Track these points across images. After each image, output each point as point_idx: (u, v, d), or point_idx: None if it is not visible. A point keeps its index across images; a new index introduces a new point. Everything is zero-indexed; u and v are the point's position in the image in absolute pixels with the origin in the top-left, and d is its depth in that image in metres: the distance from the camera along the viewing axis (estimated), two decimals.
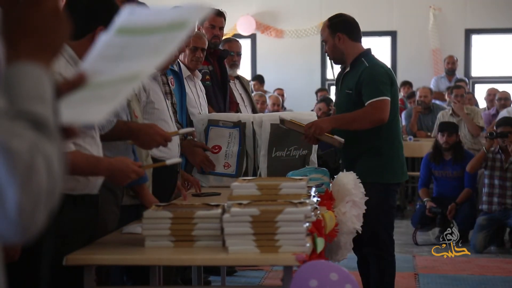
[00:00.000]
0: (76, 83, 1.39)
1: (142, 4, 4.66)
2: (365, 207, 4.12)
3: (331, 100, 9.92)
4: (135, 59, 1.40)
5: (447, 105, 10.49)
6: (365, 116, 4.57)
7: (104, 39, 1.46)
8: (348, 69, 4.74)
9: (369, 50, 4.80)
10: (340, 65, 4.87)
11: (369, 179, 4.52)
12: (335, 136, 4.63)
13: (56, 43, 1.26)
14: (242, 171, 4.92)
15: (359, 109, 4.58)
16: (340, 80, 4.82)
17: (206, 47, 5.34)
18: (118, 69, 1.39)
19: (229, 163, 4.93)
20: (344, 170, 4.56)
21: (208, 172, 4.93)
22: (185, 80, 5.21)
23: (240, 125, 4.95)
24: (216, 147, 4.95)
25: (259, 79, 11.98)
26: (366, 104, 4.57)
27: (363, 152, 4.69)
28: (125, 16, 1.47)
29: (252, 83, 11.94)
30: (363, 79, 4.61)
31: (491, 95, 10.47)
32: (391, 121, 4.66)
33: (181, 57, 5.27)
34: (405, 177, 4.90)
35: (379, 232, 4.71)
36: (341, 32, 4.74)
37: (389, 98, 4.58)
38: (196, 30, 5.50)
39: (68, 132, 1.43)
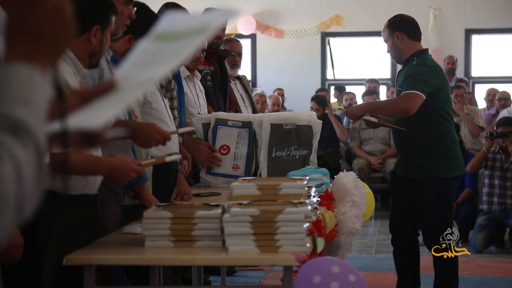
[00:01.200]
0: (106, 89, 1.37)
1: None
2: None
3: (323, 98, 9.95)
4: (160, 64, 1.38)
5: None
6: (392, 105, 4.95)
7: (141, 46, 1.44)
8: (402, 67, 5.00)
9: (425, 50, 5.02)
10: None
11: (425, 175, 4.87)
12: (368, 117, 4.92)
13: (57, 45, 1.22)
14: (251, 172, 4.91)
15: (392, 98, 4.77)
16: (396, 80, 5.10)
17: (206, 48, 5.34)
18: (143, 74, 1.37)
19: (237, 165, 4.92)
20: (401, 166, 5.04)
21: (217, 173, 4.92)
22: (184, 80, 5.20)
23: (249, 126, 4.95)
24: (225, 147, 4.94)
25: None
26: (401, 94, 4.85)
27: (417, 148, 4.92)
28: (165, 22, 1.45)
29: None
30: (408, 76, 4.84)
31: (491, 95, 10.46)
32: (441, 119, 4.88)
33: None
34: (461, 170, 5.06)
35: (439, 227, 4.98)
36: (400, 31, 4.97)
37: (420, 94, 4.76)
38: None
39: (96, 138, 1.41)
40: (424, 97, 4.78)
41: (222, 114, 5.06)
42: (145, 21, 3.43)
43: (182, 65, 5.14)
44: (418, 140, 4.92)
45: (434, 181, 4.90)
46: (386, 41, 5.04)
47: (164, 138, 3.26)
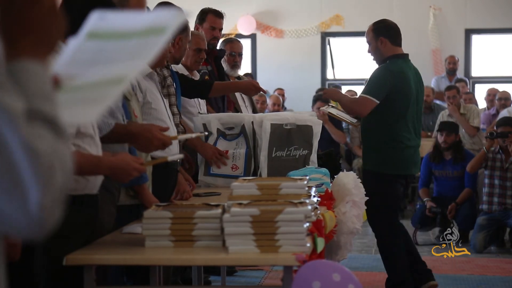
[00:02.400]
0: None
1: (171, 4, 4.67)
2: (365, 207, 4.14)
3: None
4: (115, 62, 1.42)
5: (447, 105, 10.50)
6: (351, 105, 5.40)
7: (74, 43, 1.47)
8: None
9: (400, 55, 5.36)
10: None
11: (366, 167, 5.37)
12: (326, 109, 5.61)
13: (53, 40, 1.27)
14: (251, 172, 4.91)
15: (353, 98, 5.57)
16: None
17: (206, 48, 5.38)
18: (95, 73, 1.40)
19: (237, 165, 4.92)
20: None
21: (216, 174, 4.92)
22: None
23: (243, 131, 4.96)
24: (224, 151, 4.97)
25: (250, 76, 12.13)
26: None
27: (364, 141, 5.43)
28: (94, 21, 1.48)
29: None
30: (369, 77, 5.37)
31: (491, 95, 10.46)
32: (393, 121, 5.26)
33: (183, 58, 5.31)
34: (404, 171, 5.38)
35: (374, 218, 5.33)
36: (384, 37, 5.32)
37: (372, 99, 5.21)
38: (195, 31, 5.53)
39: None
40: (377, 101, 5.21)
41: (217, 120, 5.01)
42: None
43: (149, 65, 5.11)
44: (366, 134, 5.41)
45: (368, 173, 5.37)
46: (369, 42, 5.40)
47: (163, 143, 3.24)
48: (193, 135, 3.97)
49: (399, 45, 5.40)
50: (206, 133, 4.75)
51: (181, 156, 3.52)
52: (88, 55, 1.43)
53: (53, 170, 1.15)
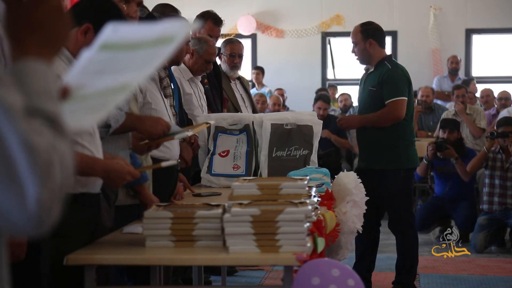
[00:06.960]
0: (61, 96, 1.41)
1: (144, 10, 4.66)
2: (365, 207, 4.14)
3: (328, 98, 10.00)
4: (122, 72, 1.44)
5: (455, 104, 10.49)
6: (385, 116, 5.39)
7: (87, 55, 1.50)
8: (372, 69, 5.50)
9: (391, 55, 5.59)
10: (364, 66, 5.65)
11: (390, 167, 5.41)
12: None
13: (59, 40, 1.29)
14: (252, 170, 4.91)
15: (380, 110, 5.38)
16: (364, 80, 5.58)
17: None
18: (102, 82, 1.42)
19: (238, 164, 4.92)
20: (361, 159, 5.64)
21: (218, 174, 4.91)
22: (187, 82, 5.31)
23: (247, 129, 4.96)
24: (224, 151, 4.96)
25: (260, 69, 12.16)
26: (386, 103, 5.37)
27: (381, 143, 5.43)
28: (108, 33, 1.50)
29: (254, 71, 12.07)
30: (385, 79, 5.40)
31: (484, 97, 10.46)
32: (407, 118, 5.46)
33: (189, 61, 5.37)
34: (417, 164, 5.81)
35: (401, 213, 5.51)
36: (373, 39, 5.48)
37: (405, 98, 5.38)
38: (210, 40, 5.56)
39: None
40: (406, 99, 5.39)
41: (220, 121, 5.00)
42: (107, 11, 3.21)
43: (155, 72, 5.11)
44: (382, 136, 5.43)
45: (398, 172, 5.43)
46: (355, 43, 5.53)
47: (167, 127, 3.35)
48: (181, 136, 3.92)
49: (384, 47, 5.58)
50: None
51: (175, 162, 3.53)
52: (98, 66, 1.45)
53: (52, 167, 1.15)
